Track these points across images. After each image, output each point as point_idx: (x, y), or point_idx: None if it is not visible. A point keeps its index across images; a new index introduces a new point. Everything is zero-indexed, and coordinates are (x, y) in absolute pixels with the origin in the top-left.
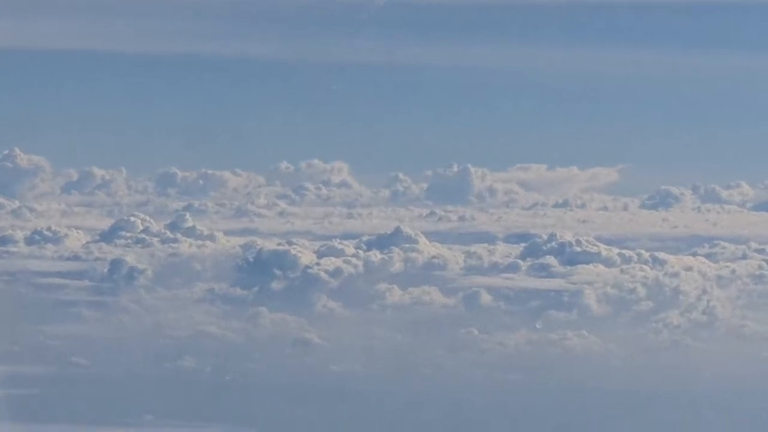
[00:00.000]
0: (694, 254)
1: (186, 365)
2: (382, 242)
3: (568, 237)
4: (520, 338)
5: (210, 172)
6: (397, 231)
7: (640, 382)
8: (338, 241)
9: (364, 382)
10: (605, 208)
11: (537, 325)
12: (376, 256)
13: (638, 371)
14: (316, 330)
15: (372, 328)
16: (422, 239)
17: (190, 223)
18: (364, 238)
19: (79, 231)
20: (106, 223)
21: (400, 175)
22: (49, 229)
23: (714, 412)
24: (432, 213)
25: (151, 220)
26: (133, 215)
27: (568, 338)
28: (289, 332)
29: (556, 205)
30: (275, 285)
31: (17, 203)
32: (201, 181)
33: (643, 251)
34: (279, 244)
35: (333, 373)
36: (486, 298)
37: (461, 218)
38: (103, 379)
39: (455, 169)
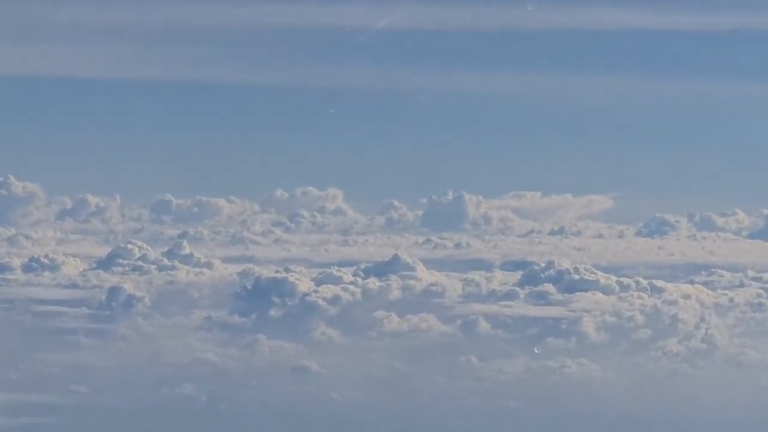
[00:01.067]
0: (692, 282)
1: (185, 392)
2: (380, 270)
3: (566, 264)
4: (519, 366)
5: (205, 199)
6: (395, 258)
7: (640, 410)
8: (336, 268)
9: (364, 410)
10: (600, 236)
11: (536, 350)
12: (374, 283)
13: (638, 399)
14: (315, 357)
15: (370, 356)
16: (420, 267)
17: (187, 251)
18: (362, 266)
19: (76, 258)
20: (101, 251)
21: (395, 203)
22: (46, 256)
23: None
24: (428, 240)
25: (149, 248)
26: (131, 242)
27: (567, 366)
28: (287, 360)
29: (551, 233)
30: (273, 312)
31: (13, 230)
32: (195, 209)
33: (641, 279)
34: (277, 272)
35: (332, 400)
36: (484, 325)
37: (457, 245)
38: (102, 406)
39: (450, 196)
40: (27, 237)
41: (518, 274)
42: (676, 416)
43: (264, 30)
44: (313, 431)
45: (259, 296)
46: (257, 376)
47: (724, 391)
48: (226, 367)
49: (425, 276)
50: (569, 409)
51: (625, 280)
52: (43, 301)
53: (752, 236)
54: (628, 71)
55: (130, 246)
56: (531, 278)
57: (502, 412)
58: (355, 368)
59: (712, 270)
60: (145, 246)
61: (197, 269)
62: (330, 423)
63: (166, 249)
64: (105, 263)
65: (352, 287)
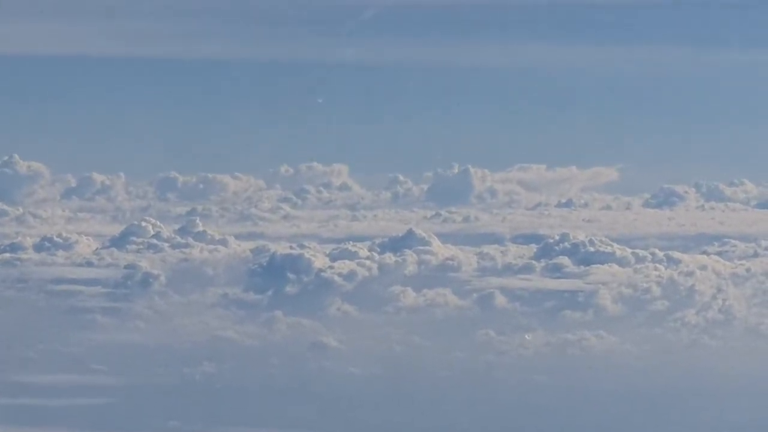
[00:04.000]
0: (705, 253)
1: (205, 370)
2: (395, 244)
3: (581, 237)
4: (538, 339)
5: (210, 176)
6: (410, 233)
7: (661, 381)
8: (351, 243)
9: (386, 385)
10: (609, 208)
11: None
12: (389, 258)
13: (658, 371)
14: (332, 333)
15: (388, 331)
16: (435, 241)
17: (200, 228)
18: (377, 241)
19: (89, 237)
20: (111, 229)
21: (400, 177)
22: (59, 235)
23: (735, 411)
24: (437, 214)
25: (162, 225)
26: (144, 220)
27: (586, 338)
28: (305, 336)
29: (559, 205)
30: (289, 289)
31: (20, 210)
32: (201, 186)
33: (656, 250)
34: (291, 248)
35: (353, 376)
36: (501, 299)
37: (466, 219)
38: (124, 385)
39: (455, 170)
40: (35, 216)
41: (531, 248)
42: (697, 387)
43: (265, 6)
44: (335, 407)
45: (274, 273)
46: (276, 353)
47: (745, 361)
48: (245, 344)
49: (440, 250)
50: (591, 382)
51: (641, 252)
52: (57, 280)
53: (761, 206)
54: (630, 42)
55: (143, 224)
56: (545, 251)
57: (526, 385)
58: (373, 344)
59: (725, 240)
60: (158, 224)
61: (211, 246)
62: (352, 398)
63: (178, 226)
64: (118, 241)
65: (368, 262)
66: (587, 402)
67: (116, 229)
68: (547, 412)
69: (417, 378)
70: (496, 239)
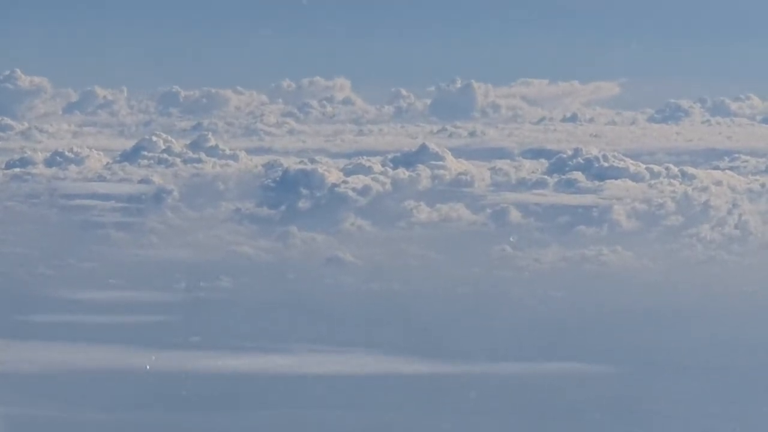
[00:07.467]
0: (716, 168)
1: (222, 285)
2: (408, 159)
3: (594, 152)
4: (554, 254)
5: (212, 90)
6: (423, 148)
7: (676, 297)
8: (365, 158)
9: (407, 301)
10: (614, 123)
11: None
12: (403, 173)
13: (674, 286)
14: (347, 248)
15: (402, 246)
16: (448, 156)
17: (212, 143)
18: (389, 156)
19: (99, 152)
20: (117, 143)
21: (403, 91)
22: (70, 150)
23: (750, 326)
24: (443, 129)
25: (172, 140)
26: (155, 135)
27: (602, 254)
28: (320, 251)
29: (564, 120)
30: (302, 204)
31: (25, 124)
32: (204, 100)
33: (671, 165)
34: (301, 163)
35: (372, 291)
36: (515, 214)
37: (472, 134)
38: (142, 301)
39: (458, 84)
40: (41, 130)
41: (542, 162)
42: (713, 302)
43: None
44: (359, 322)
45: (287, 188)
46: (292, 267)
47: (761, 276)
48: (261, 259)
49: (453, 165)
50: (607, 297)
51: (655, 167)
52: (70, 195)
53: (767, 121)
54: None
55: (154, 138)
56: (558, 166)
57: (545, 301)
58: (389, 259)
59: (735, 155)
60: (169, 138)
61: (222, 161)
62: (367, 313)
63: (187, 141)
64: (130, 156)
65: (381, 177)
66: (603, 317)
67: (122, 144)
68: (563, 327)
69: (438, 294)
70: (505, 154)
